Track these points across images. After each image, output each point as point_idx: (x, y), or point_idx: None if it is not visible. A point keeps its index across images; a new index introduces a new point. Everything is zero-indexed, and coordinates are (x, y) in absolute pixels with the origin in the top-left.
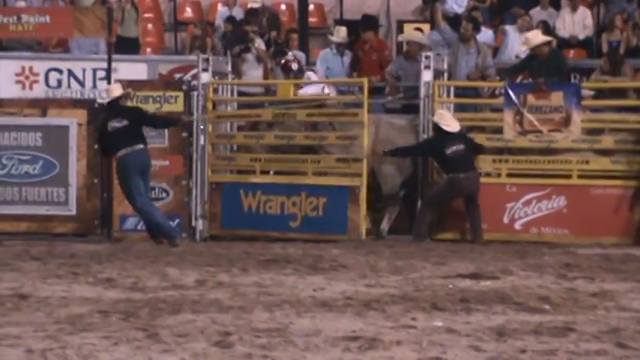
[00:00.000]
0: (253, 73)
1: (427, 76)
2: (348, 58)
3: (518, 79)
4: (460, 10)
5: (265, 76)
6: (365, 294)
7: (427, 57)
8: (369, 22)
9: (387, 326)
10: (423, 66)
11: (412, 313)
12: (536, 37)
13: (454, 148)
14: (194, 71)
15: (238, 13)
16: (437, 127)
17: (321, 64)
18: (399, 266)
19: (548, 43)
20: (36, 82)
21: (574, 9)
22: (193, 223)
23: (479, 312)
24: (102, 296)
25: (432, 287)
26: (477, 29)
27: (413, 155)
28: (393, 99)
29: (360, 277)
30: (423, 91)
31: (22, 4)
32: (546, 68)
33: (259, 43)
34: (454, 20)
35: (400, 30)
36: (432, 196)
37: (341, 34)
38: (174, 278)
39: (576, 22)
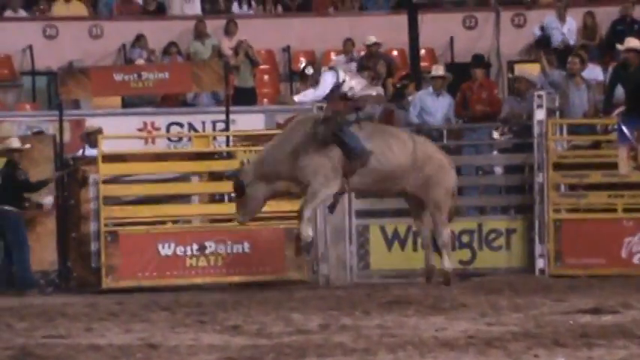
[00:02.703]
0: None
1: (540, 114)
2: (447, 99)
3: (617, 111)
4: (569, 40)
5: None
6: (486, 332)
7: (540, 96)
8: (479, 60)
9: None
10: (535, 105)
11: (534, 350)
12: (634, 42)
13: None
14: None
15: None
16: None
17: (414, 106)
18: (519, 303)
19: None
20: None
21: None
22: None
23: (600, 347)
24: (229, 343)
25: (552, 323)
26: (583, 64)
27: None
28: (504, 139)
29: (480, 315)
30: (536, 130)
31: (141, 61)
32: (635, 77)
33: (377, 90)
34: (562, 54)
35: (510, 70)
36: None
37: (439, 69)
38: (298, 323)
39: None
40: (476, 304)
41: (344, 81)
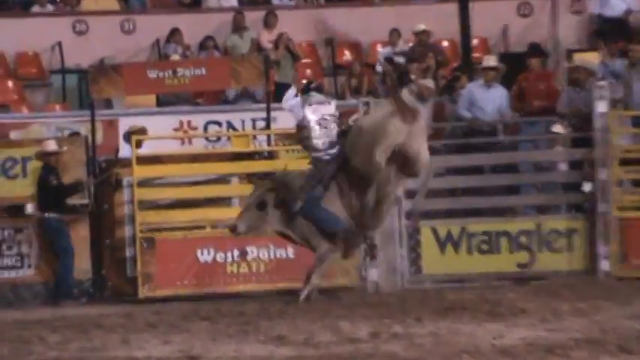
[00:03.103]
0: None
1: (602, 106)
2: (499, 91)
3: None
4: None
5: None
6: (547, 339)
7: (601, 87)
8: (535, 49)
9: None
10: (597, 96)
11: (598, 358)
12: None
13: None
14: (355, 116)
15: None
16: None
17: (463, 99)
18: (582, 308)
19: None
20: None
21: None
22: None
23: None
24: (273, 354)
25: (617, 329)
26: None
27: None
28: (563, 132)
29: (540, 321)
30: (598, 123)
31: (176, 57)
32: None
33: (426, 81)
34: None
35: (569, 59)
36: None
37: (491, 60)
38: (347, 332)
39: None
40: (535, 310)
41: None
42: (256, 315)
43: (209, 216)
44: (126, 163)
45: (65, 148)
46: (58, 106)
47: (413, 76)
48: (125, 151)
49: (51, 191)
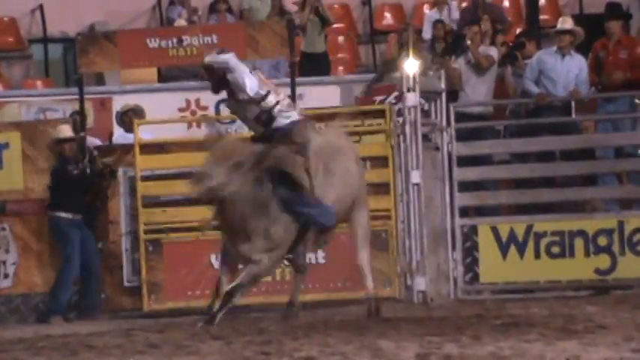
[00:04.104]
0: (476, 86)
1: None
2: (576, 61)
3: None
4: None
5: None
6: None
7: None
8: (615, 10)
9: None
10: None
11: None
12: None
13: None
14: (397, 92)
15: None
16: None
17: (531, 70)
18: None
19: None
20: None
21: None
22: None
23: None
24: None
25: None
26: None
27: None
28: None
29: (624, 339)
30: None
31: (182, 22)
32: None
33: (485, 49)
34: None
35: None
36: None
37: (567, 22)
38: (389, 353)
39: None
40: (617, 326)
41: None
42: (280, 333)
43: None
44: (122, 150)
45: (82, 134)
46: (39, 82)
47: (469, 42)
48: (120, 135)
49: (70, 184)
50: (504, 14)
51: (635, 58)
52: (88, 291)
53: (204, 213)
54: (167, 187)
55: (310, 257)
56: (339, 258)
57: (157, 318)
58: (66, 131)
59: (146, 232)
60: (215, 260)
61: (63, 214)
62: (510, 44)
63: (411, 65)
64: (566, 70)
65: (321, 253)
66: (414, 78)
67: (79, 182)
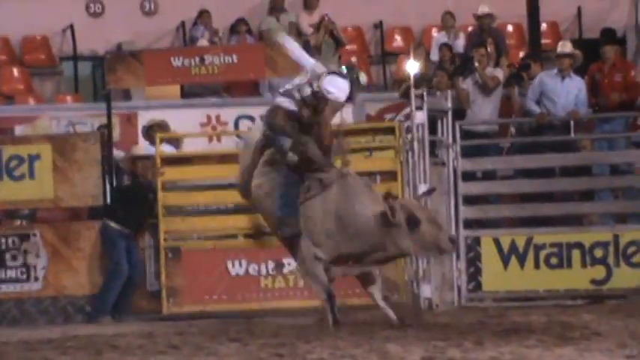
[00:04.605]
0: (482, 105)
1: None
2: (576, 83)
3: None
4: None
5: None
6: None
7: None
8: (609, 36)
9: None
10: None
11: None
12: None
13: None
14: (407, 110)
15: (457, 42)
16: None
17: (533, 91)
18: None
19: None
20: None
21: None
22: None
23: None
24: None
25: None
26: None
27: None
28: None
29: (618, 346)
30: None
31: (204, 42)
32: None
33: (492, 70)
34: None
35: None
36: None
37: (566, 46)
38: (396, 356)
39: None
40: (612, 333)
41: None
42: (293, 336)
43: (241, 224)
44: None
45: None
46: (69, 98)
47: (477, 64)
48: (145, 148)
49: (132, 200)
50: (505, 39)
51: (630, 81)
52: (124, 295)
53: (222, 222)
54: (187, 197)
55: None
56: None
57: (173, 321)
58: (141, 149)
59: (166, 239)
60: (232, 267)
61: (116, 226)
62: (517, 66)
63: (412, 66)
64: (566, 92)
65: None
66: (422, 96)
67: (140, 198)
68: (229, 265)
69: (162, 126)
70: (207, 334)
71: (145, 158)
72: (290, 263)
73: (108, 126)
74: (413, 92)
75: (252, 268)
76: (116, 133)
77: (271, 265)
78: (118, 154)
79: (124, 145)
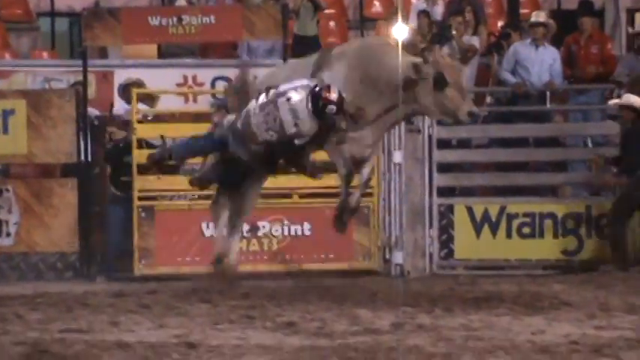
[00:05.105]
0: None
1: None
2: (550, 53)
3: None
4: None
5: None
6: (594, 338)
7: None
8: (587, 7)
9: None
10: None
11: None
12: None
13: None
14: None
15: (435, 10)
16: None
17: (507, 60)
18: (636, 304)
19: None
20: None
21: None
22: None
23: None
24: (282, 344)
25: None
26: None
27: None
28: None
29: (587, 317)
30: None
31: (182, 2)
32: None
33: (469, 39)
34: None
35: (630, 21)
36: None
37: (540, 16)
38: (366, 321)
39: None
40: (582, 304)
41: None
42: (264, 299)
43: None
44: (122, 121)
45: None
46: (45, 54)
47: (454, 32)
48: (121, 107)
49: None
50: (483, 8)
51: (606, 53)
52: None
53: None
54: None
55: (297, 229)
56: (323, 231)
57: (145, 281)
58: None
59: (140, 198)
60: (206, 229)
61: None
62: (497, 35)
63: (400, 30)
64: (540, 60)
65: (307, 226)
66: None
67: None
68: (204, 226)
69: (139, 85)
70: (179, 294)
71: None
72: (265, 226)
73: (84, 83)
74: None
75: None
76: (92, 91)
77: (246, 227)
78: (92, 111)
79: (99, 103)
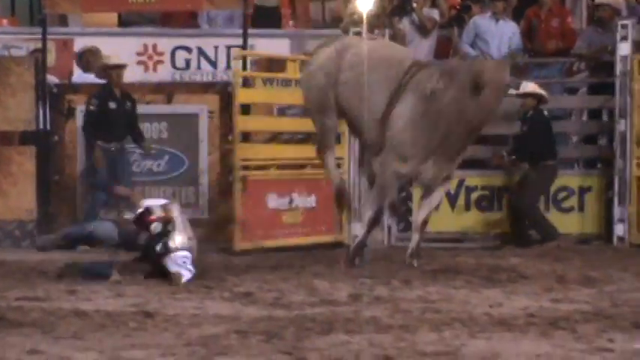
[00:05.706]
0: (419, 46)
1: (624, 49)
2: (509, 27)
3: None
4: None
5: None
6: (551, 310)
7: (624, 26)
8: None
9: (577, 349)
10: (619, 37)
11: (608, 334)
12: None
13: None
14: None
15: None
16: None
17: (467, 33)
18: (592, 277)
19: None
20: (160, 62)
21: None
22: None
23: None
24: (239, 314)
25: (632, 302)
26: None
27: None
28: (578, 78)
29: (544, 290)
30: (619, 68)
31: None
32: None
33: (429, 11)
34: None
35: None
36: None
37: None
38: (323, 292)
39: None
40: (539, 277)
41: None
42: (222, 269)
43: None
44: (80, 88)
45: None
46: (5, 21)
47: (414, 4)
48: (79, 75)
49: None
50: None
51: (566, 27)
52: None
53: None
54: None
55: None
56: None
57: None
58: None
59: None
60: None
61: (105, 145)
62: (457, 7)
63: (364, 3)
64: (500, 34)
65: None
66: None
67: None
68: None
69: (94, 52)
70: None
71: (118, 67)
72: None
73: (43, 51)
74: (352, 30)
75: None
76: (51, 59)
77: None
78: (51, 79)
79: (58, 71)
